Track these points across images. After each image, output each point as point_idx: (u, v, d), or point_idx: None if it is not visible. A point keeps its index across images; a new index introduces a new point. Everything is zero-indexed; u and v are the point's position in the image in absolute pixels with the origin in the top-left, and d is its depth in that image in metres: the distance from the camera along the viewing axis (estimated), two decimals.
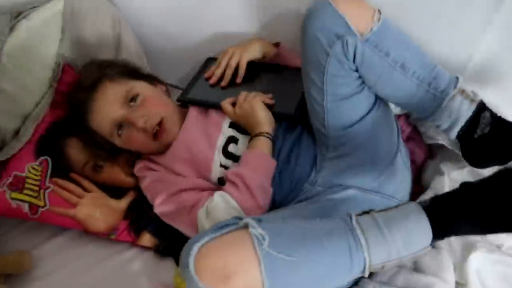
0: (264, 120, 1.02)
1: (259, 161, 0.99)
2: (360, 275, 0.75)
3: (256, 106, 1.03)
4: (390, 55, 0.88)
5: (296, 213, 0.94)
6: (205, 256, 0.70)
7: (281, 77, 1.15)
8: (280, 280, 0.70)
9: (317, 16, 0.88)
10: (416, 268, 0.94)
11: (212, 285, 0.68)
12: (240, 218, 0.76)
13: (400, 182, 1.03)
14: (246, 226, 0.73)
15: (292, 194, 1.02)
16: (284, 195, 1.03)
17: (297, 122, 1.06)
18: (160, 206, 1.04)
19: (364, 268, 0.73)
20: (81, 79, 1.11)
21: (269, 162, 1.00)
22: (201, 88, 1.15)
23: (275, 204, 1.02)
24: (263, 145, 1.00)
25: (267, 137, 1.01)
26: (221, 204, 0.94)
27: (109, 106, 1.05)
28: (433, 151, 1.18)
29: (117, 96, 1.05)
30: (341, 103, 0.94)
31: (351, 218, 0.76)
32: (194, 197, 1.00)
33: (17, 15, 1.07)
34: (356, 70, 0.90)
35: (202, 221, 0.95)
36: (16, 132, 1.12)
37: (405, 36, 0.92)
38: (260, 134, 1.01)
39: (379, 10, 0.89)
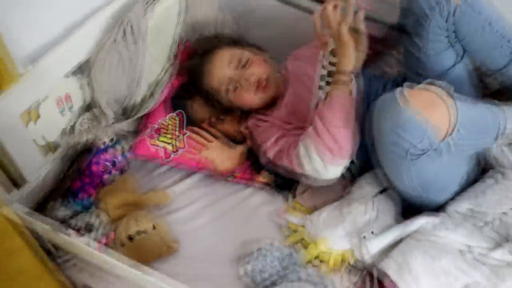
0: (349, 57, 1.09)
1: (339, 102, 1.08)
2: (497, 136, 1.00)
3: (346, 35, 1.07)
4: (482, 14, 1.07)
5: None
6: (409, 93, 0.93)
7: None
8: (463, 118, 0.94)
9: None
10: None
11: (422, 109, 0.91)
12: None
13: None
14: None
15: None
16: None
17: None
18: (270, 149, 1.22)
19: (504, 128, 0.99)
20: (198, 48, 1.35)
21: (347, 101, 1.09)
22: None
23: None
24: (343, 87, 1.09)
25: (349, 76, 1.09)
26: (304, 154, 1.09)
27: (220, 69, 1.28)
28: None
29: (228, 60, 1.28)
30: (438, 52, 1.13)
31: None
32: (293, 143, 1.15)
33: (146, 2, 1.30)
34: (453, 24, 1.09)
35: (305, 164, 1.10)
36: (151, 94, 1.35)
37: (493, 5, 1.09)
38: (341, 72, 1.09)
39: None
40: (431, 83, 0.98)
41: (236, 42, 1.35)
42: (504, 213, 1.05)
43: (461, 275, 0.99)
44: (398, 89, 0.95)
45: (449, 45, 1.14)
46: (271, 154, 1.23)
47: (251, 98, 1.28)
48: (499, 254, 1.00)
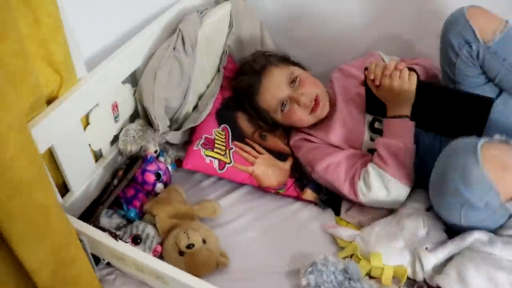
0: (410, 105, 1.12)
1: (399, 128, 1.15)
2: None
3: (412, 85, 1.10)
4: (507, 60, 1.09)
5: None
6: (489, 149, 0.90)
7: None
8: None
9: (452, 24, 1.12)
10: None
11: (492, 172, 0.88)
12: None
13: None
14: None
15: None
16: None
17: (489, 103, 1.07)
18: (320, 173, 1.24)
19: None
20: (248, 65, 1.35)
21: (407, 126, 1.14)
22: None
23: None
24: (401, 121, 1.14)
25: (408, 118, 1.14)
26: (376, 177, 1.13)
27: (275, 87, 1.28)
28: None
29: (281, 78, 1.29)
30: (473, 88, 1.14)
31: None
32: (349, 170, 1.19)
33: (201, 13, 1.32)
34: (481, 67, 1.12)
35: (364, 191, 1.15)
36: (195, 106, 1.35)
37: None
38: (400, 116, 1.14)
39: (507, 21, 1.10)
40: (506, 141, 0.96)
41: (284, 60, 1.36)
42: None
43: None
44: (478, 143, 0.92)
45: (486, 80, 1.16)
46: (320, 175, 1.24)
47: (304, 117, 1.29)
48: None
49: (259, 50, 1.42)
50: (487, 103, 1.05)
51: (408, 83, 1.10)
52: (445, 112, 1.11)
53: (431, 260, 1.06)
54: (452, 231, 1.11)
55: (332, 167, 1.22)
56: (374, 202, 1.16)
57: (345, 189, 1.19)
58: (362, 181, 1.15)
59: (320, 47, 1.57)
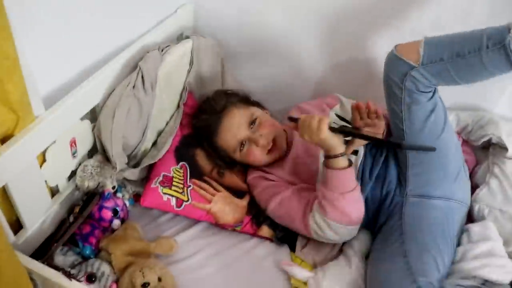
0: (337, 144, 1.13)
1: (335, 178, 1.15)
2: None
3: (325, 137, 1.11)
4: (444, 58, 1.08)
5: (422, 244, 1.13)
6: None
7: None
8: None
9: (387, 63, 1.17)
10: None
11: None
12: None
13: (467, 188, 1.27)
14: None
15: (387, 201, 1.24)
16: (375, 206, 1.25)
17: (404, 149, 1.19)
18: (274, 210, 1.28)
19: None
20: (209, 104, 1.38)
21: (349, 176, 1.15)
22: None
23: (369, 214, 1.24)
24: (339, 162, 1.14)
25: (342, 157, 1.15)
26: (322, 222, 1.16)
27: (235, 128, 1.31)
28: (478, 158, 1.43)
29: (241, 120, 1.32)
30: (419, 129, 1.17)
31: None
32: (301, 206, 1.22)
33: (162, 50, 1.34)
34: (429, 87, 1.13)
35: (316, 230, 1.18)
36: (154, 143, 1.36)
37: (445, 36, 1.11)
38: (335, 156, 1.14)
39: (423, 39, 1.12)
40: None
41: (244, 100, 1.40)
42: None
43: None
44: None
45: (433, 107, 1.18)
46: (276, 214, 1.28)
47: (261, 157, 1.33)
48: None
49: (220, 89, 1.46)
50: (397, 146, 1.21)
51: (316, 132, 1.11)
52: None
53: None
54: None
55: (285, 204, 1.25)
56: (327, 240, 1.20)
57: (299, 226, 1.23)
58: (314, 223, 1.18)
59: (281, 84, 1.62)
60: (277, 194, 1.27)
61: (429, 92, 1.15)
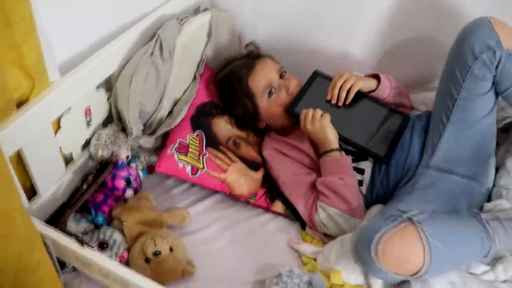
0: (334, 139, 1.23)
1: (333, 165, 1.21)
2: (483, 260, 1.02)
3: (326, 126, 1.22)
4: None
5: (425, 200, 1.12)
6: (383, 246, 0.95)
7: (380, 114, 1.30)
8: (437, 263, 0.95)
9: (476, 28, 1.10)
10: None
11: (390, 268, 0.95)
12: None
13: (491, 172, 1.22)
14: (408, 219, 0.99)
15: (405, 178, 1.22)
16: (398, 179, 1.23)
17: (382, 163, 1.23)
18: (285, 193, 1.29)
19: (488, 253, 0.99)
20: (241, 55, 1.42)
21: (346, 162, 1.21)
22: (308, 102, 1.30)
23: (390, 187, 1.23)
24: (336, 155, 1.22)
25: (337, 151, 1.22)
26: (325, 216, 1.18)
27: (268, 71, 1.34)
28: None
29: (274, 67, 1.35)
30: (471, 101, 1.14)
31: (480, 216, 1.02)
32: (308, 202, 1.24)
33: (180, 20, 1.32)
34: (494, 77, 1.11)
35: (321, 226, 1.21)
36: (170, 112, 1.35)
37: None
38: (331, 150, 1.22)
39: None
40: (408, 219, 0.99)
41: (270, 57, 1.42)
42: None
43: None
44: (374, 241, 0.97)
45: (488, 90, 1.14)
46: (286, 191, 1.28)
47: (283, 108, 1.32)
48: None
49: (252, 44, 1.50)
50: (406, 119, 1.27)
51: (319, 123, 1.22)
52: (367, 122, 1.29)
53: (378, 280, 1.08)
54: None
55: (295, 193, 1.26)
56: (334, 234, 1.20)
57: (306, 219, 1.25)
58: (317, 218, 1.20)
59: (297, 60, 1.58)
60: (290, 181, 1.28)
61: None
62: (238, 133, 1.37)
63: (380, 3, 1.42)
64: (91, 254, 0.98)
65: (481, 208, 1.17)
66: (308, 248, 1.19)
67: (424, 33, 1.45)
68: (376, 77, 1.35)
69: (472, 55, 1.10)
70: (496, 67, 1.09)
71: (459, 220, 1.05)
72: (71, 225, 1.13)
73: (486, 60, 1.09)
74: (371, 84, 1.33)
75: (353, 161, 1.25)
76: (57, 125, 1.10)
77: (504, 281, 1.06)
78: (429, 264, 0.95)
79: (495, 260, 1.07)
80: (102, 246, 1.10)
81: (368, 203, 1.24)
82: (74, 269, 1.10)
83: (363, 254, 0.99)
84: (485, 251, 1.00)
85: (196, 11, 1.50)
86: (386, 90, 1.34)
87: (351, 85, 1.29)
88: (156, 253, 1.08)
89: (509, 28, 1.10)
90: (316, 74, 1.39)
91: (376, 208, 1.23)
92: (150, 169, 1.34)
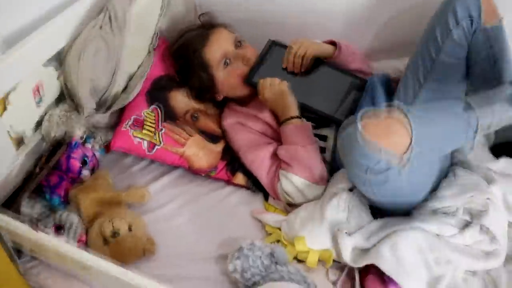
0: (293, 105, 1.22)
1: (293, 133, 1.20)
2: (473, 136, 1.02)
3: (285, 91, 1.22)
4: (492, 48, 1.11)
5: None
6: (367, 120, 0.93)
7: (339, 80, 1.30)
8: (420, 132, 0.93)
9: None
10: None
11: (376, 139, 0.91)
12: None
13: None
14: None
15: None
16: None
17: (335, 122, 1.23)
18: (246, 164, 1.28)
19: (477, 129, 1.00)
20: (195, 25, 1.38)
21: (307, 130, 1.21)
22: (265, 71, 1.29)
23: None
24: (296, 122, 1.21)
25: (298, 118, 1.21)
26: (288, 184, 1.18)
27: (224, 41, 1.31)
28: None
29: (230, 37, 1.33)
30: (448, 64, 1.16)
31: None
32: (270, 170, 1.23)
33: None
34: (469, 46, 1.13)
35: (284, 195, 1.20)
36: (125, 87, 1.30)
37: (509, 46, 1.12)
38: (291, 118, 1.21)
39: (502, 18, 1.11)
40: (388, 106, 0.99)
41: (226, 26, 1.38)
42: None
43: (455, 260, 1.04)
44: (358, 117, 0.96)
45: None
46: (247, 162, 1.27)
47: (240, 78, 1.30)
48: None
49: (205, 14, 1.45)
50: (365, 82, 1.27)
51: (278, 90, 1.22)
52: (327, 88, 1.28)
53: (347, 244, 1.08)
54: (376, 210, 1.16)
55: (257, 163, 1.25)
56: (297, 203, 1.20)
57: (269, 189, 1.24)
58: (280, 187, 1.19)
59: (255, 30, 1.55)
60: (251, 151, 1.26)
61: None
62: (196, 106, 1.35)
63: None
64: (46, 238, 0.95)
65: None
66: (271, 218, 1.19)
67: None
68: (334, 44, 1.34)
69: (454, 19, 1.12)
70: (472, 36, 1.12)
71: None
72: (25, 210, 1.09)
73: (465, 28, 1.12)
74: (327, 49, 1.32)
75: (315, 128, 1.25)
76: (3, 105, 1.04)
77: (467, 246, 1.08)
78: (412, 134, 0.93)
79: (465, 226, 1.09)
80: (59, 229, 1.07)
81: (333, 170, 1.24)
82: (33, 257, 1.07)
83: (348, 135, 0.96)
84: (472, 125, 1.01)
85: None
86: (344, 56, 1.33)
87: (306, 51, 1.27)
88: (115, 234, 1.06)
89: (494, 5, 1.12)
90: (272, 43, 1.37)
91: (340, 174, 1.23)
92: (107, 148, 1.31)
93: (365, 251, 1.09)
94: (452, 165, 1.17)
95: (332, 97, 1.26)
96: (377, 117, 0.94)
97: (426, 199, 1.10)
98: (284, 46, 1.33)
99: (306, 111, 1.25)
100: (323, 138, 1.25)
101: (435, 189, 1.11)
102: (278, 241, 1.15)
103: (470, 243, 1.08)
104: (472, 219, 1.08)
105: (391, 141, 0.93)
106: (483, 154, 1.23)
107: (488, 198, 1.07)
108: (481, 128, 1.02)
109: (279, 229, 1.17)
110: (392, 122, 0.93)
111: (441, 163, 1.15)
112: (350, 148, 0.96)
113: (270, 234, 1.17)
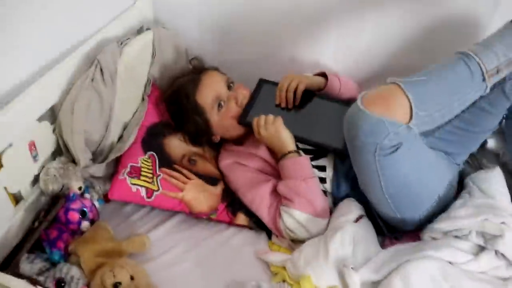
0: (289, 140, 1.22)
1: (291, 167, 1.19)
2: (483, 84, 1.01)
3: (280, 127, 1.21)
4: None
5: None
6: (369, 94, 0.98)
7: (332, 109, 1.29)
8: (419, 94, 0.97)
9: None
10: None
11: (377, 111, 0.95)
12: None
13: None
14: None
15: None
16: None
17: (342, 155, 1.20)
18: (247, 204, 1.26)
19: (483, 73, 0.99)
20: (187, 70, 1.42)
21: (306, 163, 1.20)
22: (259, 110, 1.29)
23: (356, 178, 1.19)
24: (294, 156, 1.20)
25: (295, 152, 1.21)
26: (290, 220, 1.16)
27: (216, 84, 1.32)
28: None
29: (221, 79, 1.33)
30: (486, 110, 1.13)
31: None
32: (271, 209, 1.22)
33: (121, 43, 1.29)
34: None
35: (287, 232, 1.18)
36: (120, 136, 1.31)
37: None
38: (288, 152, 1.21)
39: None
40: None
41: (216, 69, 1.40)
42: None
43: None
44: (360, 96, 1.00)
45: None
46: (247, 202, 1.26)
47: (234, 119, 1.30)
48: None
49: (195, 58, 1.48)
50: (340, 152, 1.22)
51: (273, 126, 1.21)
52: (321, 119, 1.28)
53: (355, 280, 1.04)
54: (389, 227, 1.16)
55: (257, 202, 1.24)
56: (301, 239, 1.18)
57: (271, 227, 1.22)
58: (283, 224, 1.17)
59: (248, 70, 1.58)
60: (250, 189, 1.25)
61: None
62: (193, 150, 1.35)
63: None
64: None
65: None
66: (276, 257, 1.16)
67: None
68: (324, 75, 1.35)
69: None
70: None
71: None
72: (25, 267, 1.06)
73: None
74: (318, 81, 1.33)
75: (312, 159, 1.24)
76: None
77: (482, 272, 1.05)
78: (409, 96, 0.95)
79: (479, 251, 1.06)
80: (60, 284, 1.05)
81: (336, 200, 1.23)
82: None
83: (351, 115, 0.99)
84: (475, 71, 1.00)
85: (140, 31, 1.48)
86: (335, 86, 1.34)
87: (297, 85, 1.28)
88: (116, 285, 1.04)
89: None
90: (262, 81, 1.39)
91: (343, 205, 1.21)
92: (106, 198, 1.29)
93: (376, 284, 1.06)
94: (467, 184, 1.18)
95: (327, 126, 1.26)
96: (374, 91, 0.97)
97: (437, 215, 1.10)
98: (275, 83, 1.35)
99: (301, 143, 1.25)
100: (322, 168, 1.24)
101: (445, 206, 1.11)
102: (284, 280, 1.11)
103: (485, 269, 1.05)
104: (485, 243, 1.05)
105: (392, 108, 0.96)
106: None
107: (503, 222, 1.04)
108: (490, 74, 1.00)
109: (285, 268, 1.14)
110: (389, 92, 0.97)
111: (451, 170, 1.18)
112: (355, 129, 0.98)
113: (276, 274, 1.15)
